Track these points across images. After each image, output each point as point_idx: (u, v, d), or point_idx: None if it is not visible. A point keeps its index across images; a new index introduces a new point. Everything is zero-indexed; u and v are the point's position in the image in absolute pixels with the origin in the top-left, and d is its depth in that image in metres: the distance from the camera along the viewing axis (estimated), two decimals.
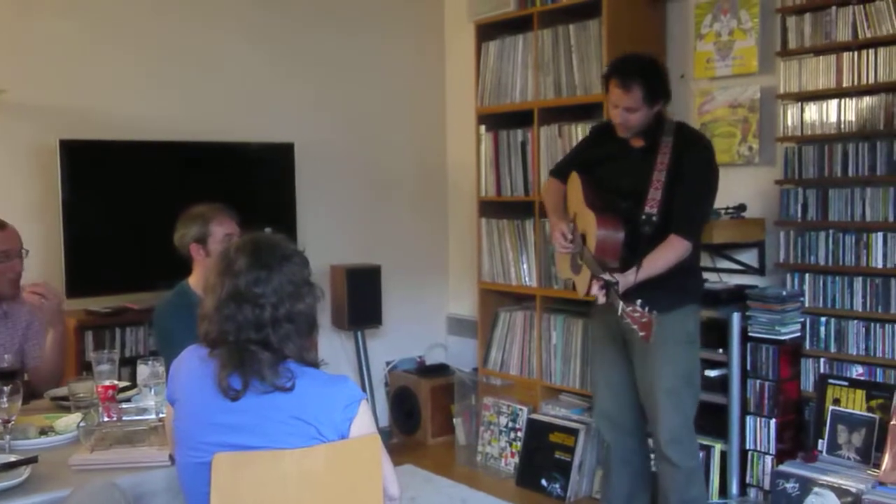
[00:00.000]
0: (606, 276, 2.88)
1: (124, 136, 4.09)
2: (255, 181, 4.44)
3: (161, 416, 2.29)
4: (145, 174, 4.11)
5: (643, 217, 3.02)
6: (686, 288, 3.17)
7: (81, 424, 2.29)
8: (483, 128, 4.77)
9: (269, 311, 1.82)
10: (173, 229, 3.05)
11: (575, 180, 3.30)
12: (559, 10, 4.34)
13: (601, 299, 2.88)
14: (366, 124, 5.10)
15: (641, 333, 2.69)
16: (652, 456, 3.41)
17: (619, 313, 2.75)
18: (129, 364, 3.38)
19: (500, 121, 4.72)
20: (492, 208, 4.79)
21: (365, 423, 1.85)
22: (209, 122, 4.44)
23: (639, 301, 2.71)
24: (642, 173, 3.07)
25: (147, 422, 2.29)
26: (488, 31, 4.73)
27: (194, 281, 3.03)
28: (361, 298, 4.69)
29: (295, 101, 4.79)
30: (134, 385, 2.64)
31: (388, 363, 5.24)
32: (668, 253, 3.00)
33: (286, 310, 1.84)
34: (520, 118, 4.56)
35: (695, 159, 3.07)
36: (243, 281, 1.84)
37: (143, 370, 2.41)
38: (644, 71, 3.05)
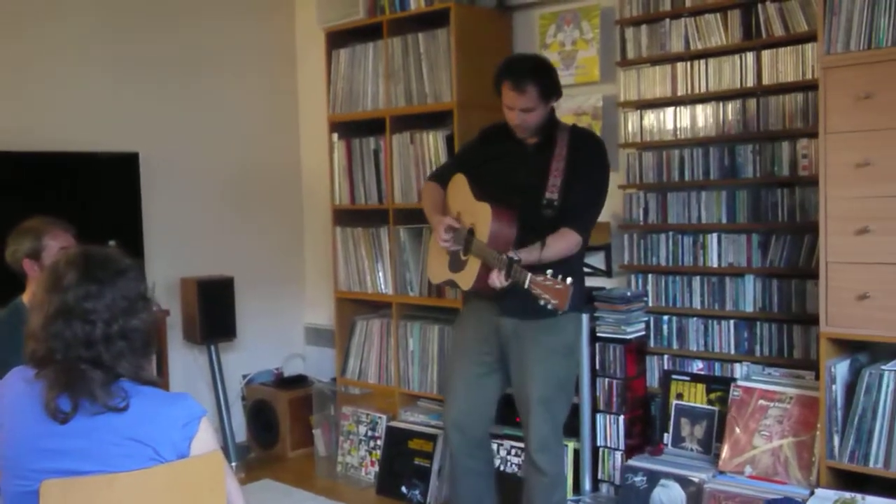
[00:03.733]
0: (509, 254, 2.79)
1: None
2: (97, 193, 4.25)
3: None
4: None
5: (544, 202, 3.01)
6: None
7: None
8: (336, 136, 4.73)
9: (100, 327, 1.75)
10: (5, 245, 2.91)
11: (459, 180, 3.27)
12: (408, 18, 4.36)
13: (502, 283, 2.81)
14: (216, 133, 4.98)
15: (554, 302, 2.62)
16: (516, 459, 3.41)
17: (527, 286, 2.67)
18: None
19: (352, 129, 4.70)
20: (346, 216, 4.77)
21: (206, 440, 1.79)
22: (47, 131, 4.21)
23: (549, 271, 2.66)
24: (539, 167, 3.06)
25: None
26: (339, 39, 4.70)
27: (29, 298, 2.89)
28: (214, 311, 4.58)
29: (139, 109, 4.62)
30: None
31: (244, 376, 5.12)
32: (562, 243, 2.96)
33: (119, 326, 1.76)
34: (372, 126, 4.55)
35: (590, 154, 3.11)
36: (72, 296, 1.75)
37: None
38: (536, 70, 3.05)
